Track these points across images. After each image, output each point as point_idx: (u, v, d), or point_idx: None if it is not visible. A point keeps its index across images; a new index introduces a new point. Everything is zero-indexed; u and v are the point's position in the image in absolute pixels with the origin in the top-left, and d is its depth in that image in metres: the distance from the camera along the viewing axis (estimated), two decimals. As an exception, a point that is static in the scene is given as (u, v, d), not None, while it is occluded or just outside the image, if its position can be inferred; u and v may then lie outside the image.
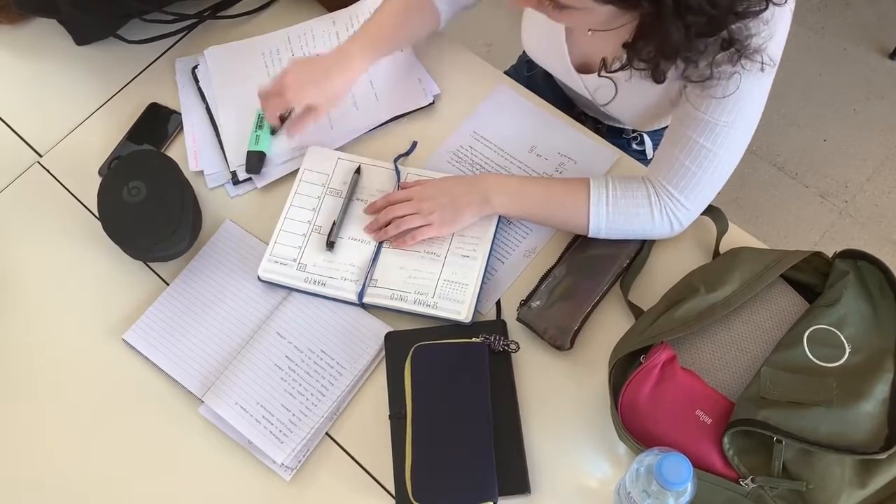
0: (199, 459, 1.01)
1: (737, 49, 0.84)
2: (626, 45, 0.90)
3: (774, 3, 0.82)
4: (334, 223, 1.10)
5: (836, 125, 2.19)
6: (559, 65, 1.15)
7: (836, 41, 2.30)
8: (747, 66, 0.86)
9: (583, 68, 1.13)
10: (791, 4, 0.90)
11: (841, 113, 2.20)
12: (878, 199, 2.08)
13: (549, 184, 1.08)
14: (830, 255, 0.99)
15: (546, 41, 1.15)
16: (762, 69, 0.88)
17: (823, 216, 2.07)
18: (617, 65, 0.97)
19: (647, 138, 1.32)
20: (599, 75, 1.05)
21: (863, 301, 0.94)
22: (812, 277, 0.99)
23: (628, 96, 1.08)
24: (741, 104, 0.93)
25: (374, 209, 1.10)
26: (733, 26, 0.81)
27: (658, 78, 0.91)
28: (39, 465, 1.02)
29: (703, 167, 0.97)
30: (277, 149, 1.19)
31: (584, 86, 1.13)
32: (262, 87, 1.12)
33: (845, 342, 0.90)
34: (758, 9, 0.81)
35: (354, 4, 1.30)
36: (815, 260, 0.99)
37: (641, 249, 1.07)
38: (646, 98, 1.05)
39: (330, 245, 1.09)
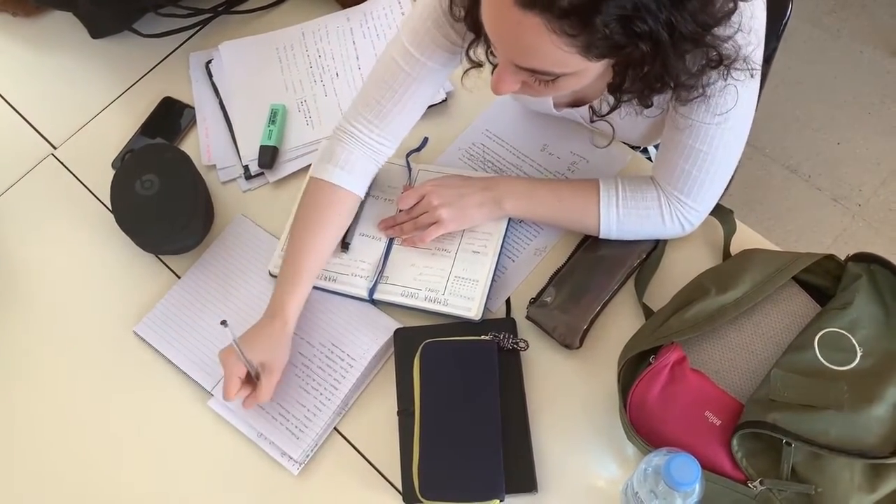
0: (207, 452, 1.01)
1: (725, 64, 0.83)
2: (610, 88, 0.87)
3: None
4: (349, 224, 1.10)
5: (850, 128, 2.17)
6: (548, 111, 1.12)
7: (851, 44, 2.29)
8: (737, 76, 0.85)
9: (574, 104, 1.10)
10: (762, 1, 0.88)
11: (856, 116, 2.19)
12: (892, 204, 2.07)
13: (559, 186, 1.08)
14: (843, 259, 0.98)
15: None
16: (752, 76, 0.87)
17: (836, 219, 2.06)
18: (605, 108, 0.94)
19: (651, 148, 1.31)
20: (592, 121, 1.04)
21: (875, 305, 0.93)
22: (824, 280, 0.99)
23: (625, 124, 1.07)
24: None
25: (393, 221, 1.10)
26: (720, 43, 0.80)
27: (645, 103, 0.90)
28: (48, 455, 1.03)
29: (705, 169, 0.97)
30: (290, 144, 1.19)
31: (581, 117, 1.11)
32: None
33: (857, 346, 0.90)
34: (729, 7, 0.80)
35: (369, 1, 1.30)
36: (828, 263, 0.98)
37: (654, 249, 1.06)
38: (643, 122, 1.05)
39: (345, 246, 1.09)
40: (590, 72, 0.80)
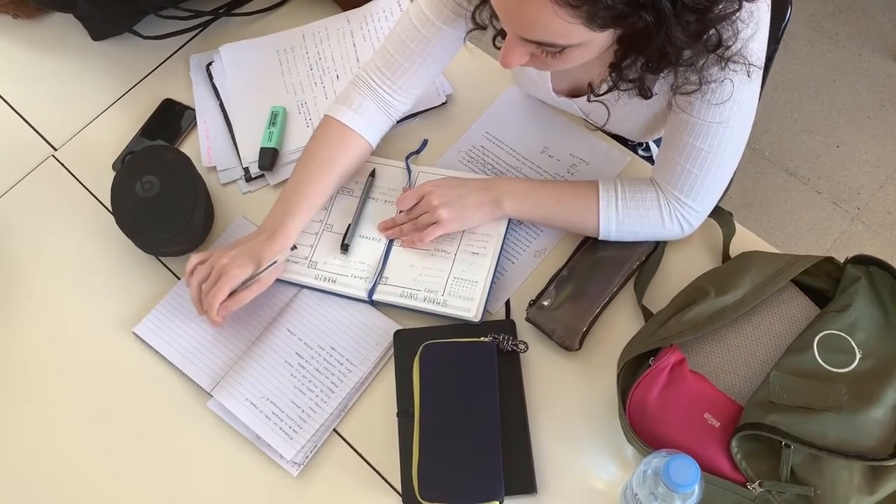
0: (206, 454, 1.01)
1: (721, 54, 0.83)
2: (612, 66, 0.88)
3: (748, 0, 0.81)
4: (349, 226, 1.10)
5: (849, 131, 2.18)
6: (547, 96, 1.14)
7: (851, 47, 2.29)
8: (735, 68, 0.86)
9: (573, 93, 1.11)
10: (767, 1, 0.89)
11: (855, 119, 2.19)
12: (890, 207, 2.07)
13: (558, 187, 1.08)
14: (842, 261, 0.98)
15: (533, 74, 1.12)
16: (749, 73, 0.87)
17: (835, 222, 2.06)
18: (604, 87, 0.95)
19: (652, 144, 1.32)
20: (589, 100, 1.04)
21: (874, 307, 0.93)
22: (823, 283, 0.99)
23: (622, 115, 1.07)
24: (731, 103, 0.92)
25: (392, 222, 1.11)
26: (720, 28, 0.81)
27: (645, 94, 0.90)
28: (47, 457, 1.03)
29: (705, 168, 0.97)
30: (291, 146, 1.19)
31: (579, 109, 1.13)
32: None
33: (856, 348, 0.90)
34: (735, 6, 0.81)
35: (369, 3, 1.30)
36: (827, 265, 0.98)
37: (654, 251, 1.06)
38: (641, 113, 1.05)
39: (345, 248, 1.09)
40: (595, 43, 0.81)
